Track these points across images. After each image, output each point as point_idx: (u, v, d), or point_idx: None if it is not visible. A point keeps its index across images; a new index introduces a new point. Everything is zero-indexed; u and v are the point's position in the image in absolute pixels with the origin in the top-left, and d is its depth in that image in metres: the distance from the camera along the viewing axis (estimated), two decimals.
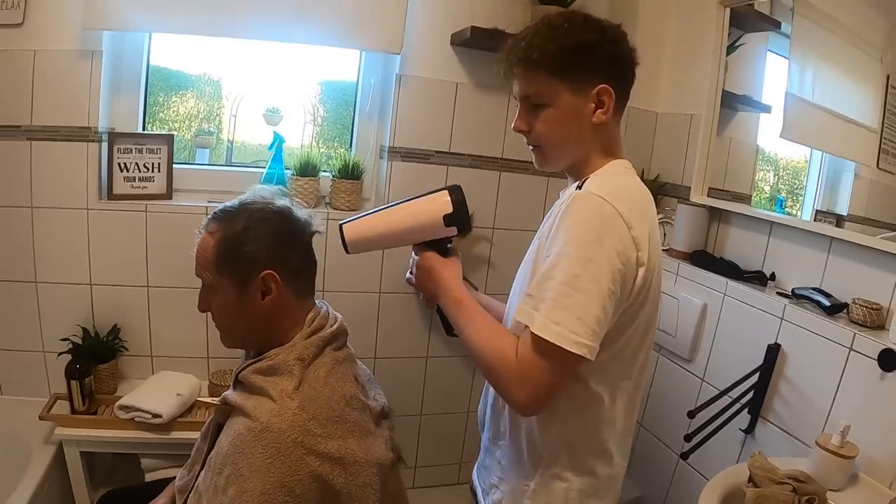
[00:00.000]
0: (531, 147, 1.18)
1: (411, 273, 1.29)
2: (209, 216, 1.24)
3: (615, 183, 1.09)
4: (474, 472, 1.41)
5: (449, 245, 1.26)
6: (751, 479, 1.29)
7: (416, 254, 1.27)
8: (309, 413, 1.10)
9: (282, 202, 1.25)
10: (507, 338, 1.05)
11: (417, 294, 1.38)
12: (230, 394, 1.20)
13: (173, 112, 2.34)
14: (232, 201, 1.24)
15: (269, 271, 1.17)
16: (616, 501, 1.24)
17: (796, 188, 1.80)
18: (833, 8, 1.66)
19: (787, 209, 1.79)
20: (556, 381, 1.00)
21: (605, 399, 1.12)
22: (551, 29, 1.09)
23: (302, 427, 1.08)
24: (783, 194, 1.83)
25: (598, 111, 1.09)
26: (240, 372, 1.21)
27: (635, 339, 1.11)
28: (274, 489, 1.04)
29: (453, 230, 1.22)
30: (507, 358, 1.01)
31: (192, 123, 2.37)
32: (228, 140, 2.39)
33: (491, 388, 1.27)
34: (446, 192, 1.22)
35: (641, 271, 1.02)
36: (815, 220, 1.66)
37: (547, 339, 0.95)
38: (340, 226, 1.27)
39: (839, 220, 1.62)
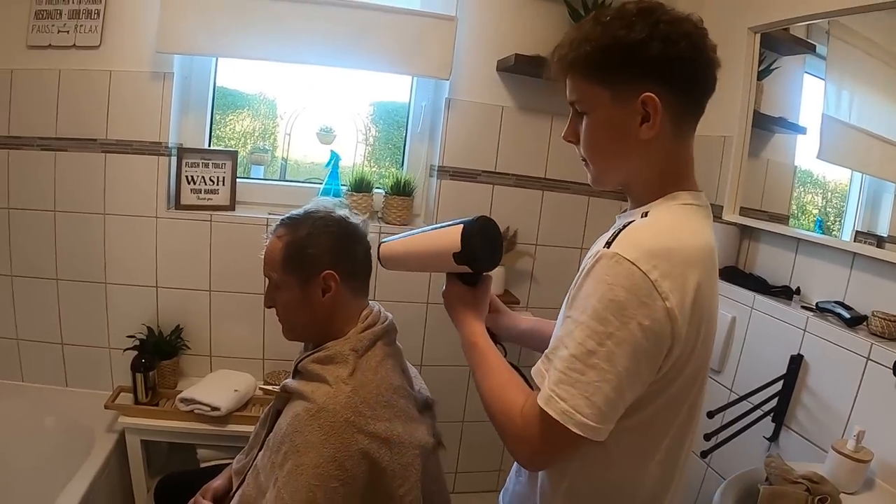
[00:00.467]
0: (582, 160, 1.01)
1: None
2: (278, 222, 1.38)
3: (662, 232, 0.89)
4: (500, 496, 1.26)
5: (477, 278, 1.17)
6: (767, 479, 1.34)
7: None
8: (360, 396, 1.22)
9: (342, 211, 1.39)
10: (515, 392, 0.96)
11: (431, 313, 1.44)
12: (290, 381, 1.33)
13: (230, 129, 2.47)
14: (298, 210, 1.38)
15: (329, 271, 1.31)
16: None
17: (840, 210, 1.78)
18: (869, 30, 1.65)
19: (826, 230, 1.80)
20: (557, 450, 0.91)
21: (630, 463, 0.97)
22: (594, 24, 0.92)
23: (354, 408, 1.20)
24: (823, 215, 1.83)
25: (645, 125, 0.90)
26: (299, 362, 1.34)
27: (674, 400, 0.94)
28: (326, 463, 1.16)
29: (464, 267, 1.12)
30: (512, 413, 0.93)
31: (248, 141, 2.50)
32: (283, 158, 2.52)
33: None
34: (461, 227, 1.10)
35: (678, 345, 0.86)
36: (855, 241, 1.66)
37: (549, 413, 0.85)
38: (380, 242, 1.33)
39: (880, 241, 1.58)
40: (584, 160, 1.01)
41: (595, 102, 0.93)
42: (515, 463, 1.15)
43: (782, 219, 1.90)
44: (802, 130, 1.86)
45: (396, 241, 1.26)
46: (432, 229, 1.17)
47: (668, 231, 0.90)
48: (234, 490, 1.42)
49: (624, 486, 0.99)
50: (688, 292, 0.85)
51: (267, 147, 2.51)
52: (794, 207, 1.89)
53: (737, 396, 1.79)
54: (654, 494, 1.00)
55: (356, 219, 1.41)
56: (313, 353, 1.32)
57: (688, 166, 0.98)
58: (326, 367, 1.28)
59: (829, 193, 1.81)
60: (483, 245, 1.10)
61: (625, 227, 0.89)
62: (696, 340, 0.90)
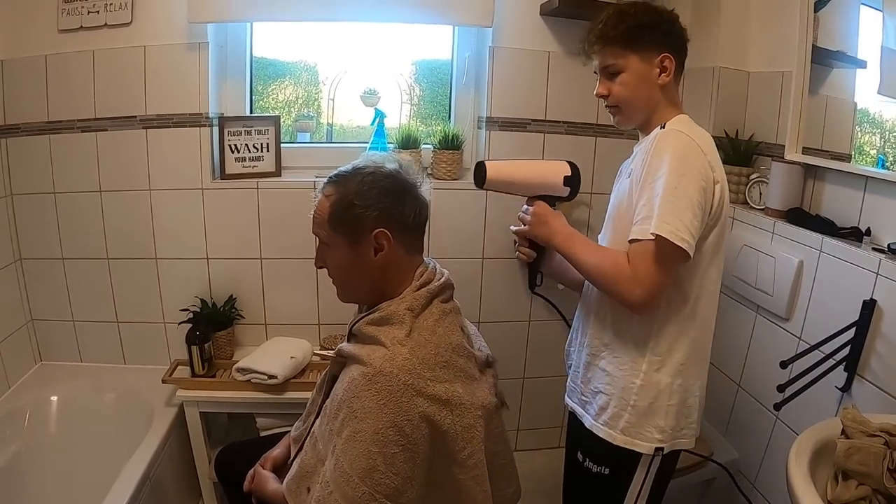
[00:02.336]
0: (610, 109, 1.43)
1: (522, 223, 1.48)
2: (325, 180, 1.33)
3: (686, 125, 1.33)
4: (566, 397, 1.58)
5: (556, 204, 1.46)
6: (843, 433, 1.26)
7: (529, 205, 1.47)
8: (418, 357, 1.19)
9: (392, 165, 1.33)
10: (619, 252, 1.29)
11: (515, 252, 1.54)
12: (345, 345, 1.30)
13: (273, 100, 2.46)
14: (346, 166, 1.33)
15: (381, 229, 1.26)
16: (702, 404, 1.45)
17: None
18: None
19: (888, 167, 1.73)
20: (663, 277, 1.23)
21: (693, 301, 1.35)
22: (621, 13, 1.36)
23: (412, 370, 1.17)
24: (885, 154, 1.76)
25: (662, 75, 1.36)
26: (354, 324, 1.31)
27: (717, 246, 1.35)
28: (386, 428, 1.13)
29: (567, 190, 1.46)
30: (622, 264, 1.26)
31: (292, 109, 2.48)
32: (328, 123, 2.50)
33: (591, 313, 1.48)
34: (566, 161, 1.48)
35: (717, 188, 1.27)
36: None
37: (662, 235, 1.19)
38: (481, 162, 1.44)
39: None
40: (613, 108, 1.42)
41: (629, 63, 1.36)
42: (583, 356, 1.49)
43: (844, 158, 1.81)
44: (862, 64, 1.77)
45: (500, 163, 1.46)
46: (533, 160, 1.61)
47: (690, 125, 1.34)
48: (292, 458, 1.41)
49: (691, 323, 1.36)
50: (713, 155, 1.30)
51: (311, 114, 2.49)
52: (862, 150, 1.80)
53: (806, 345, 1.72)
54: (708, 335, 1.43)
55: (409, 173, 1.35)
56: (368, 315, 1.29)
57: (679, 99, 1.43)
58: (382, 328, 1.25)
59: (888, 133, 1.72)
60: (580, 176, 1.48)
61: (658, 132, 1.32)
62: (724, 196, 1.31)
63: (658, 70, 1.36)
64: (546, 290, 1.60)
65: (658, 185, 1.22)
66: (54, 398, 2.16)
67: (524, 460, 2.50)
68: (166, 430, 1.98)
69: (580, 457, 1.48)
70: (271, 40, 2.37)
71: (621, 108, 1.41)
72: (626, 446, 1.37)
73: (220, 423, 2.33)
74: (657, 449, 1.37)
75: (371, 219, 1.26)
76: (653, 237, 1.21)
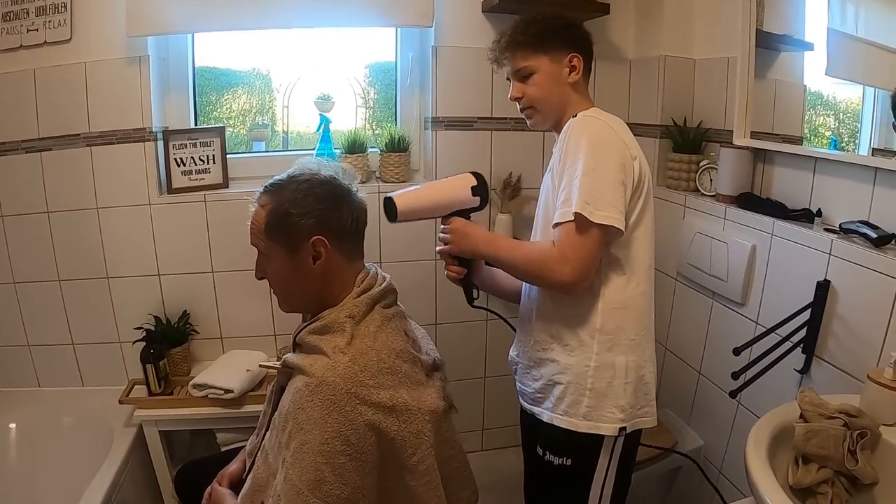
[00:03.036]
0: (524, 111, 1.49)
1: (444, 244, 1.46)
2: (260, 190, 1.32)
3: (597, 112, 1.40)
4: (519, 399, 1.58)
5: (470, 217, 1.47)
6: (802, 416, 1.27)
7: (444, 224, 1.46)
8: (360, 365, 1.17)
9: (328, 172, 1.31)
10: (543, 241, 1.37)
11: (445, 272, 1.53)
12: (289, 356, 1.28)
13: (227, 109, 2.42)
14: (281, 175, 1.32)
15: (318, 237, 1.24)
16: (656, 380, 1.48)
17: (854, 130, 1.72)
18: None
19: (841, 150, 1.72)
20: (589, 253, 1.26)
21: (629, 276, 1.38)
22: (529, 21, 1.44)
23: (354, 379, 1.15)
24: (837, 136, 1.77)
25: (572, 73, 1.43)
26: (297, 334, 1.29)
27: (647, 221, 1.38)
28: (332, 439, 1.11)
29: (477, 200, 1.46)
30: (548, 249, 1.29)
31: (247, 118, 2.45)
32: (283, 131, 2.47)
33: (533, 314, 1.49)
34: (470, 173, 1.48)
35: (636, 163, 1.32)
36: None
37: (583, 213, 1.22)
38: (389, 198, 1.40)
39: None
40: (528, 109, 1.48)
41: (540, 64, 1.43)
42: (532, 352, 1.49)
43: (796, 141, 1.82)
44: (809, 47, 1.79)
45: (405, 192, 1.44)
46: (436, 181, 1.59)
47: (600, 112, 1.40)
48: (246, 472, 1.38)
49: (636, 299, 1.39)
50: (626, 134, 1.36)
51: (266, 122, 2.46)
52: (807, 130, 1.81)
53: (763, 329, 1.72)
54: (650, 307, 1.45)
55: (345, 178, 1.33)
56: (310, 324, 1.27)
57: (590, 96, 1.50)
58: (323, 337, 1.22)
59: (841, 114, 1.74)
60: (486, 182, 1.48)
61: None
62: (646, 173, 1.36)
63: (568, 69, 1.43)
64: (485, 301, 1.60)
65: (576, 167, 1.26)
66: (12, 425, 2.11)
67: (491, 460, 2.54)
68: (126, 452, 1.94)
69: (540, 451, 1.47)
70: (221, 50, 2.34)
71: (536, 109, 1.47)
72: (591, 431, 1.37)
73: (182, 440, 2.28)
74: (621, 429, 1.37)
75: (307, 226, 1.24)
76: (573, 217, 1.24)
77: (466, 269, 1.49)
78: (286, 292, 1.34)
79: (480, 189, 1.46)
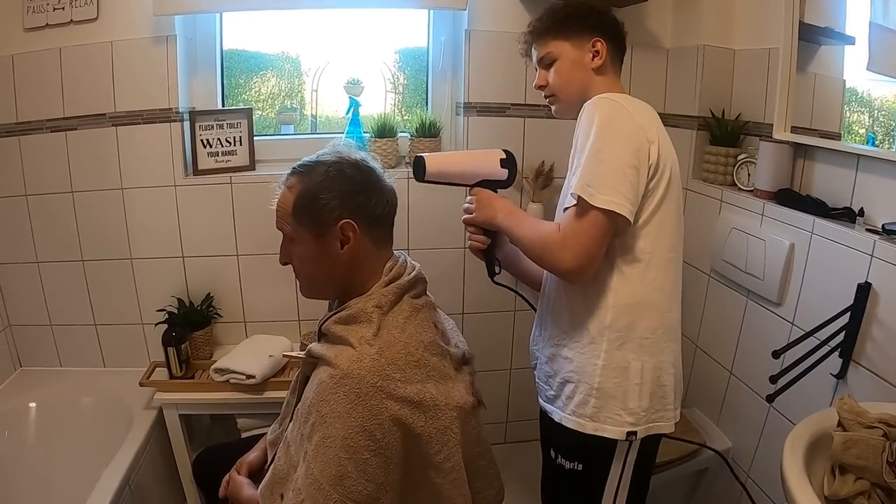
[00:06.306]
0: (548, 98, 1.46)
1: (467, 213, 1.44)
2: (288, 172, 1.28)
3: (615, 95, 1.31)
4: (537, 396, 1.52)
5: (497, 191, 1.44)
6: (840, 424, 1.22)
7: (470, 193, 1.45)
8: (387, 358, 1.13)
9: (358, 155, 1.27)
10: (551, 223, 1.29)
11: (465, 246, 1.52)
12: (314, 346, 1.24)
13: (255, 92, 2.41)
14: (310, 156, 1.28)
15: (347, 220, 1.20)
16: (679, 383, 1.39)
17: (889, 129, 1.67)
18: None
19: (878, 145, 1.67)
20: (592, 241, 1.19)
21: (645, 269, 1.29)
22: (552, 9, 1.44)
23: (380, 372, 1.11)
24: (874, 132, 1.71)
25: (595, 58, 1.39)
26: (322, 324, 1.25)
27: (667, 211, 1.29)
28: (356, 433, 1.08)
29: (505, 172, 1.44)
30: (552, 233, 1.23)
31: (276, 102, 2.43)
32: (312, 115, 2.45)
33: (550, 305, 1.45)
34: (500, 149, 1.46)
35: (653, 147, 1.23)
36: None
37: (584, 196, 1.17)
38: (420, 156, 1.39)
39: None
40: (551, 97, 1.45)
41: (562, 51, 1.40)
42: (546, 347, 1.45)
43: (833, 137, 1.76)
44: (850, 41, 1.73)
45: (438, 156, 1.46)
46: (468, 150, 1.58)
47: (620, 93, 1.35)
48: (268, 463, 1.36)
49: (653, 292, 1.31)
50: (646, 117, 1.27)
51: (295, 106, 2.45)
52: (851, 129, 1.75)
53: (799, 330, 1.68)
54: (670, 306, 1.34)
55: (375, 162, 1.29)
56: (336, 314, 1.23)
57: (621, 87, 1.43)
58: (349, 327, 1.19)
59: (876, 112, 1.69)
60: (515, 159, 1.47)
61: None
62: (668, 160, 1.27)
63: (591, 54, 1.39)
64: (507, 279, 1.55)
65: (586, 149, 1.21)
66: (32, 405, 2.12)
67: (514, 453, 2.51)
68: (146, 434, 1.94)
69: (553, 454, 1.43)
70: (250, 33, 2.31)
71: (558, 96, 1.43)
72: (597, 433, 1.31)
73: (203, 424, 2.29)
74: (629, 434, 1.30)
75: (336, 210, 1.20)
76: (576, 200, 1.19)
77: (490, 240, 1.45)
78: (310, 278, 1.30)
79: (509, 163, 1.44)
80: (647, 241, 1.28)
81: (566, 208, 1.23)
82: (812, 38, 1.81)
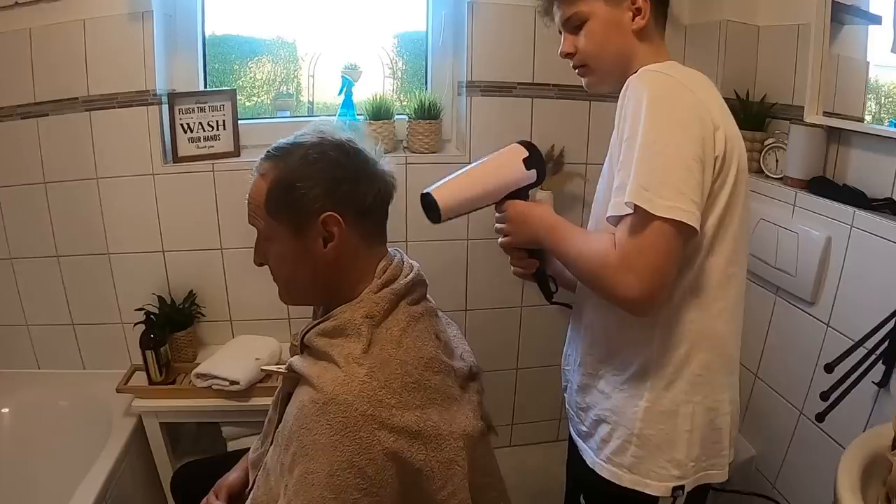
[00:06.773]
0: (577, 69, 1.20)
1: (503, 235, 1.21)
2: (261, 156, 1.11)
3: (665, 66, 1.06)
4: (570, 430, 1.31)
5: (528, 195, 1.23)
6: (895, 445, 1.10)
7: (499, 212, 1.21)
8: (380, 380, 0.97)
9: (343, 135, 1.10)
10: (604, 236, 1.01)
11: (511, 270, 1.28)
12: (295, 360, 1.08)
13: (249, 78, 2.31)
14: (287, 138, 1.10)
15: (330, 213, 1.03)
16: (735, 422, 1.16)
17: None
18: None
19: None
20: (661, 259, 0.93)
21: (707, 290, 1.06)
22: None
23: (371, 397, 0.95)
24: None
25: (637, 18, 1.11)
26: (305, 334, 1.09)
27: (733, 216, 1.05)
28: (342, 470, 0.93)
29: (533, 173, 1.19)
30: (608, 252, 0.97)
31: (271, 88, 2.35)
32: (308, 101, 2.36)
33: (581, 320, 1.24)
34: (517, 143, 1.22)
35: (719, 134, 0.99)
36: None
37: (641, 205, 0.92)
38: (427, 194, 1.14)
39: None
40: (581, 67, 1.18)
41: (593, 8, 1.12)
42: (579, 373, 1.22)
43: (857, 121, 1.64)
44: (877, 20, 1.62)
45: (445, 183, 1.17)
46: (479, 162, 1.21)
47: (673, 64, 1.09)
48: (248, 488, 1.22)
49: (716, 321, 1.07)
50: (709, 94, 1.02)
51: (291, 92, 2.35)
52: (871, 111, 1.64)
53: (835, 332, 1.56)
54: (730, 333, 1.11)
55: (365, 144, 1.11)
56: (319, 324, 1.07)
57: (666, 51, 1.16)
58: (335, 341, 1.02)
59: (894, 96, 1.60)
60: (539, 150, 1.21)
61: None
62: (735, 148, 1.02)
63: (631, 13, 1.11)
64: (565, 296, 1.32)
65: (636, 139, 0.96)
66: (5, 410, 2.02)
67: (521, 458, 2.44)
68: (125, 442, 1.82)
69: (583, 502, 1.25)
70: (244, 17, 2.20)
71: (590, 66, 1.17)
72: (636, 487, 1.10)
73: (189, 431, 2.17)
74: (675, 489, 1.09)
75: (317, 200, 1.03)
76: (632, 209, 0.94)
77: (539, 260, 1.22)
78: (289, 281, 1.14)
79: (535, 160, 1.19)
80: (710, 255, 1.05)
81: (612, 215, 0.99)
82: (838, 16, 1.69)
